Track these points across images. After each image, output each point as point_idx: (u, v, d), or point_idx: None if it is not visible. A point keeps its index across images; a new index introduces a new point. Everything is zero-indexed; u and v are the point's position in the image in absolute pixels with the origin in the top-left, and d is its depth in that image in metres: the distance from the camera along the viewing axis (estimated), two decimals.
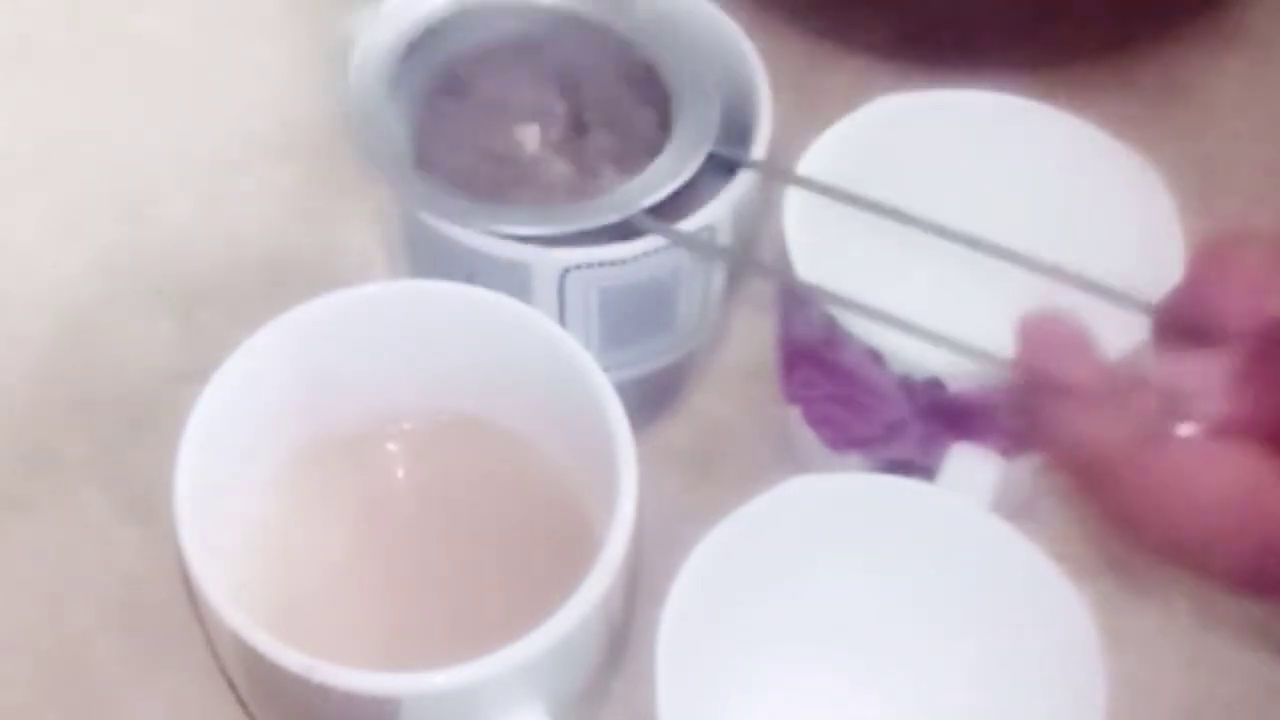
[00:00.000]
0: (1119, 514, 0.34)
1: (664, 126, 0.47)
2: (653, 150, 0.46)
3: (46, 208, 0.57)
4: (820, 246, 0.45)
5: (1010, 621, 0.43)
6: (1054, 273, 0.40)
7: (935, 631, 0.45)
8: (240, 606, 0.40)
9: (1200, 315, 0.35)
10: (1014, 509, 0.44)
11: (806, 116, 0.48)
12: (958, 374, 0.44)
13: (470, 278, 0.45)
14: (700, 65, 0.47)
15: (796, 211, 0.46)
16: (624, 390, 0.43)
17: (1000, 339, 0.49)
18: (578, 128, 0.48)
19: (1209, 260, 0.36)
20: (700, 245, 0.45)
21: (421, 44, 0.48)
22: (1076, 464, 0.35)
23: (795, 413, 0.49)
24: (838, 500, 0.44)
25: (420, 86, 0.48)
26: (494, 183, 0.47)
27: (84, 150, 0.58)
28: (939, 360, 0.44)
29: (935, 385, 0.44)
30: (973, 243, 0.42)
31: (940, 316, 0.51)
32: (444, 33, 0.48)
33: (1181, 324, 0.35)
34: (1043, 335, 0.36)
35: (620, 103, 0.48)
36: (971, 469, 0.45)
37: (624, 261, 0.45)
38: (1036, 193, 0.49)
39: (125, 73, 0.60)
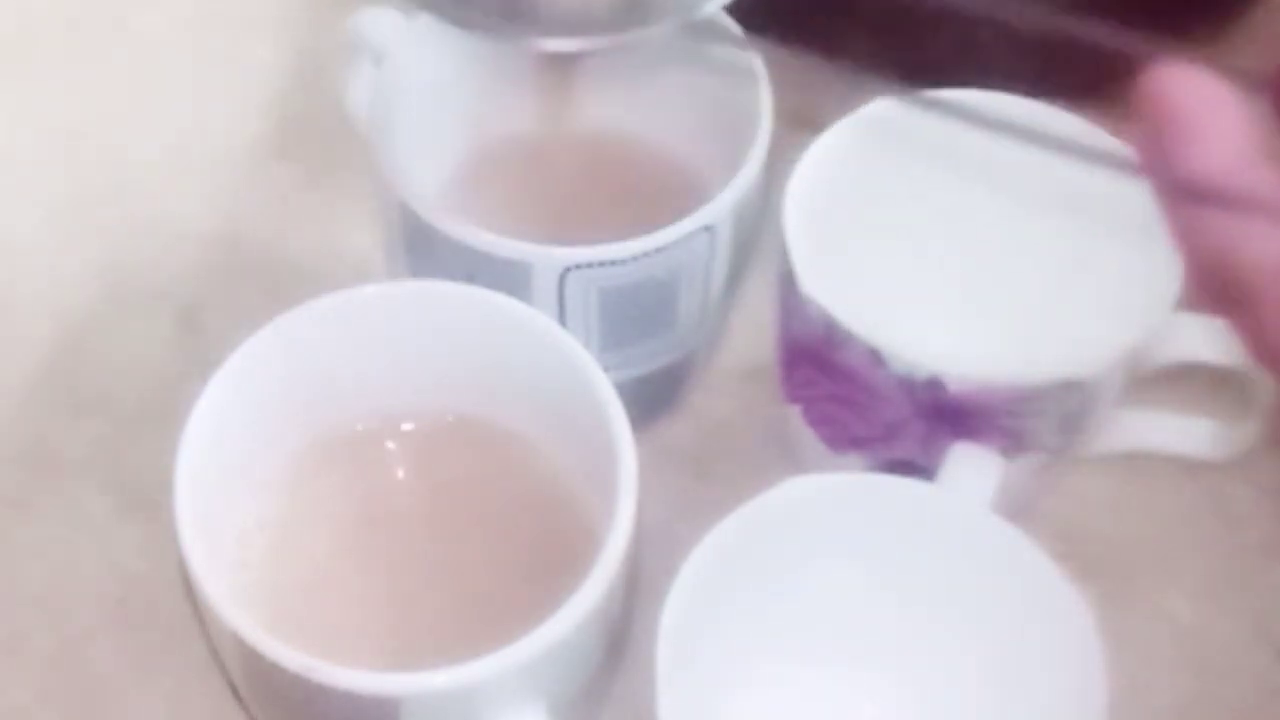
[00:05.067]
0: (1264, 344, 0.29)
1: None
2: None
3: (46, 208, 0.57)
4: (820, 246, 0.46)
5: (1010, 621, 0.43)
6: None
7: (935, 631, 0.45)
8: (240, 606, 0.40)
9: None
10: (1014, 509, 0.44)
11: (806, 118, 0.48)
12: (958, 374, 0.44)
13: (470, 278, 0.45)
14: None
15: (796, 212, 0.46)
16: (624, 390, 0.43)
17: (1000, 338, 0.50)
18: None
19: None
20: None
21: None
22: (1214, 282, 0.29)
23: (795, 413, 0.49)
24: (838, 500, 0.44)
25: None
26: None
27: (84, 150, 0.58)
28: (939, 360, 0.44)
29: (935, 385, 0.44)
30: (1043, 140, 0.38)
31: (940, 315, 0.51)
32: None
33: None
34: (1172, 102, 0.30)
35: None
36: (971, 469, 0.45)
37: (624, 261, 0.45)
38: (1036, 193, 0.49)
39: (125, 73, 0.60)
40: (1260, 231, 0.28)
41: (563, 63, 0.50)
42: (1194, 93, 0.30)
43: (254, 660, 0.39)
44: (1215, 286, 0.29)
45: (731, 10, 0.47)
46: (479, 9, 0.41)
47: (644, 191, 0.52)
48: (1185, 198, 0.29)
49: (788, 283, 0.46)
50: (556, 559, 0.43)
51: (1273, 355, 0.29)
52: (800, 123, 0.48)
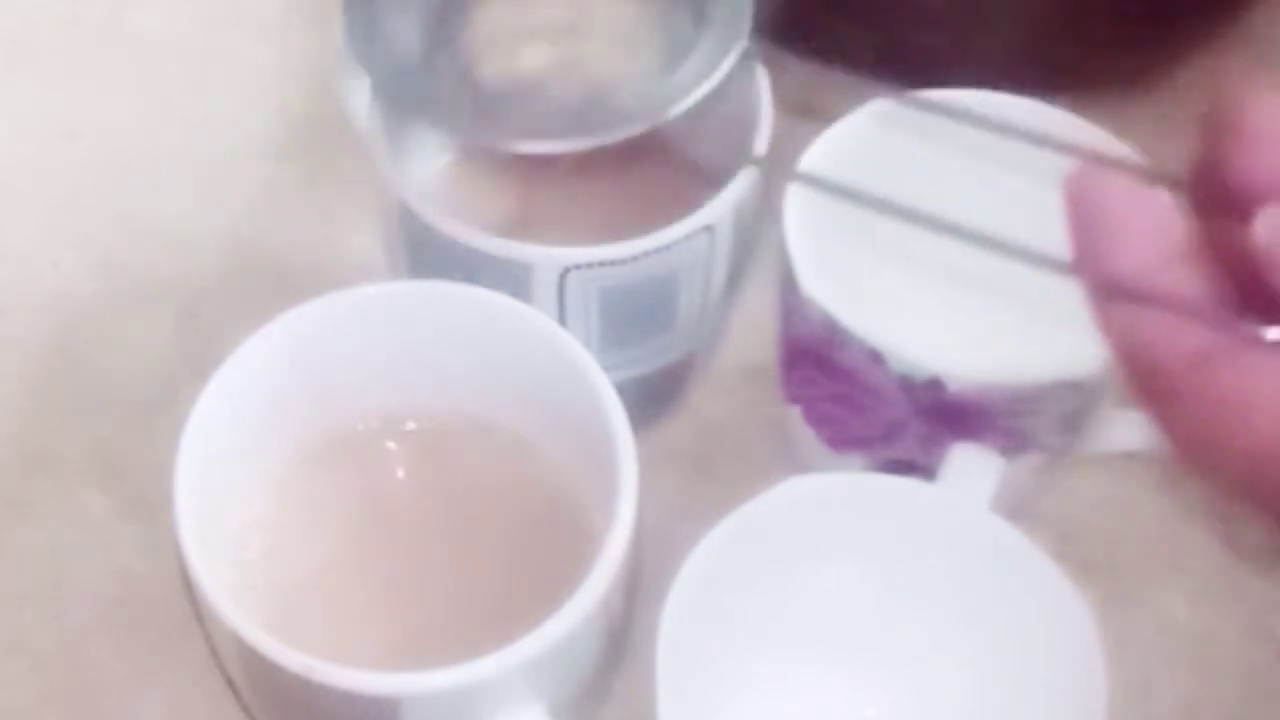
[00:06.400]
0: (1181, 436, 0.30)
1: (695, 19, 0.45)
2: (675, 49, 0.44)
3: (46, 208, 0.57)
4: (820, 246, 0.46)
5: (1010, 621, 0.43)
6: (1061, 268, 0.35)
7: (935, 631, 0.45)
8: (240, 606, 0.40)
9: (1228, 183, 0.31)
10: (1014, 509, 0.44)
11: (806, 117, 0.48)
12: (958, 374, 0.44)
13: (470, 278, 0.45)
14: None
15: (796, 212, 0.46)
16: (624, 390, 0.43)
17: (1000, 338, 0.50)
18: (591, 24, 0.47)
19: (1225, 123, 0.32)
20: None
21: None
22: (1137, 376, 0.31)
23: (795, 413, 0.49)
24: (838, 500, 0.44)
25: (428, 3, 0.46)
26: (506, 103, 0.45)
27: (84, 150, 0.58)
28: (939, 360, 0.44)
29: (935, 385, 0.44)
30: (980, 240, 0.40)
31: (940, 315, 0.51)
32: None
33: (1209, 197, 0.31)
34: (1092, 204, 0.31)
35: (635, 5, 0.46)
36: (971, 469, 0.45)
37: (624, 261, 0.45)
38: (1036, 193, 0.49)
39: (125, 72, 0.60)
40: (1177, 329, 0.30)
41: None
42: (1114, 193, 0.32)
43: (254, 660, 0.39)
44: (1139, 380, 0.31)
45: None
46: (460, 115, 0.44)
47: (645, 193, 0.52)
48: (1109, 295, 0.31)
49: (788, 283, 0.46)
50: (556, 559, 0.43)
51: (1190, 449, 0.30)
52: (801, 122, 0.48)
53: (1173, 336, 0.30)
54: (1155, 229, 0.31)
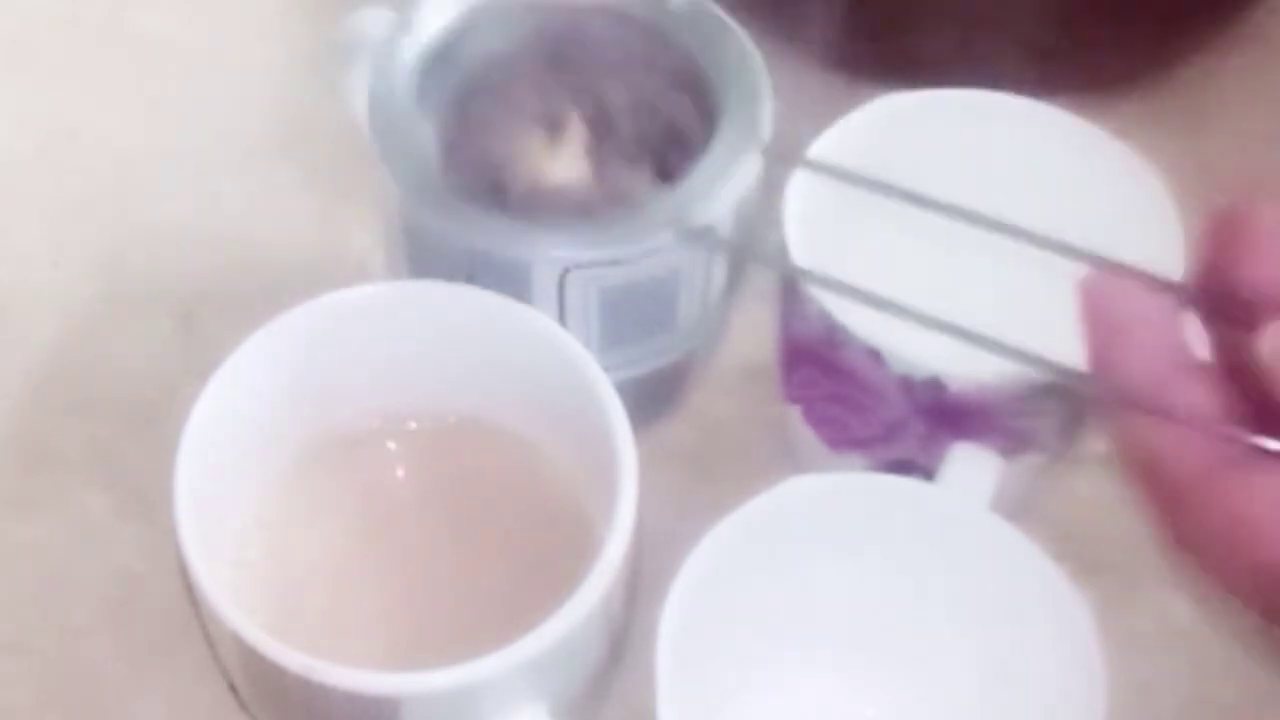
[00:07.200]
0: (1189, 546, 0.31)
1: (706, 123, 0.46)
2: (690, 151, 0.45)
3: (46, 208, 0.57)
4: (820, 243, 0.46)
5: (1010, 621, 0.43)
6: (1069, 251, 0.37)
7: (935, 631, 0.45)
8: (240, 606, 0.40)
9: (1230, 292, 0.32)
10: (1014, 509, 0.44)
11: (804, 121, 0.48)
12: (958, 374, 0.44)
13: (470, 278, 0.45)
14: (746, 57, 0.46)
15: (797, 209, 0.46)
16: (624, 390, 0.43)
17: (1001, 335, 0.49)
18: (608, 131, 0.48)
19: (1228, 232, 0.32)
20: (767, 259, 0.45)
21: (446, 50, 0.47)
22: (1144, 481, 0.32)
23: (795, 413, 0.49)
24: (838, 500, 0.44)
25: (445, 93, 0.47)
26: (521, 191, 0.47)
27: (84, 150, 0.58)
28: (939, 360, 0.44)
29: (935, 385, 0.44)
30: (988, 224, 0.40)
31: (942, 312, 0.51)
32: (468, 36, 0.48)
33: (1217, 305, 0.32)
34: (1109, 313, 0.32)
35: (655, 102, 0.47)
36: (971, 469, 0.45)
37: (624, 261, 0.45)
38: (1036, 193, 0.49)
39: (125, 73, 0.60)
40: (1187, 441, 0.31)
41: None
42: (1125, 301, 0.32)
43: (254, 660, 0.39)
44: (1147, 489, 0.31)
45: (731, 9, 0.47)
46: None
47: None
48: (1121, 405, 0.31)
49: (788, 283, 0.46)
50: (556, 559, 0.43)
51: (1197, 559, 0.31)
52: (801, 123, 0.48)
53: (1182, 448, 0.31)
54: (1165, 337, 0.32)
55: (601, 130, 0.48)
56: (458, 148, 0.47)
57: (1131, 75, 0.59)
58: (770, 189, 0.47)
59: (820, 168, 0.45)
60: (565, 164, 0.47)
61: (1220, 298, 0.32)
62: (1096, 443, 0.48)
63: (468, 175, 0.47)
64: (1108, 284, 0.33)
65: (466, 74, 0.48)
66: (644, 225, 0.44)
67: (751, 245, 0.47)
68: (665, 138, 0.47)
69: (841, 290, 0.41)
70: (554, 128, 0.48)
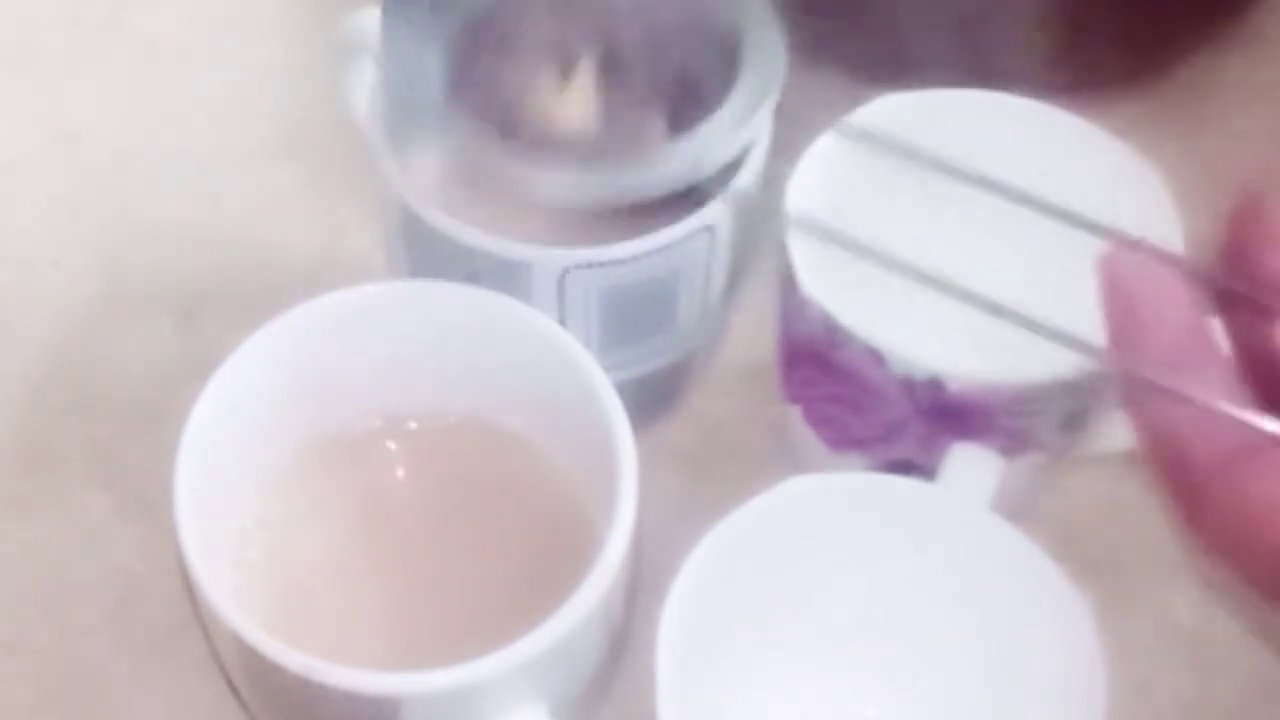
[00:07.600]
0: (1208, 532, 0.31)
1: (722, 78, 0.45)
2: (704, 102, 0.44)
3: (46, 208, 0.57)
4: (820, 246, 0.45)
5: (1010, 621, 0.43)
6: (1087, 225, 0.37)
7: (935, 631, 0.45)
8: (240, 606, 0.40)
9: (1250, 281, 0.32)
10: (1014, 509, 0.44)
11: (805, 118, 0.48)
12: (958, 374, 0.44)
13: (470, 278, 0.45)
14: (764, 13, 0.45)
15: (797, 211, 0.46)
16: (624, 390, 0.43)
17: (1000, 338, 0.49)
18: (620, 77, 0.47)
19: (1247, 222, 0.32)
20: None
21: None
22: (1164, 467, 0.31)
23: (795, 413, 0.49)
24: (838, 500, 0.44)
25: (452, 29, 0.46)
26: (529, 133, 0.46)
27: (84, 150, 0.58)
28: (939, 360, 0.44)
29: (935, 385, 0.44)
30: (1013, 195, 0.40)
31: (940, 315, 0.51)
32: None
33: (1230, 294, 0.32)
34: (1129, 286, 0.32)
35: (670, 51, 0.46)
36: (971, 469, 0.45)
37: (624, 261, 0.45)
38: (1036, 193, 0.49)
39: (125, 73, 0.60)
40: (1207, 427, 0.30)
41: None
42: (1144, 276, 0.32)
43: (254, 660, 0.39)
44: (1167, 475, 0.31)
45: None
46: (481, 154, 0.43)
47: None
48: (1142, 389, 0.31)
49: (788, 283, 0.46)
50: (556, 559, 0.43)
51: (1217, 546, 0.31)
52: (800, 123, 0.48)
53: (1203, 434, 0.31)
54: (1184, 312, 0.32)
55: (613, 75, 0.47)
56: (466, 86, 0.46)
57: (1131, 75, 0.59)
58: (771, 191, 0.47)
59: (853, 134, 0.44)
60: (574, 107, 0.47)
61: (1238, 282, 0.32)
62: (1096, 443, 0.48)
63: (475, 115, 0.45)
64: (1128, 258, 0.33)
65: (477, 11, 0.47)
66: (652, 173, 0.43)
67: (769, 203, 0.46)
68: (679, 89, 0.47)
69: (862, 252, 0.40)
70: (564, 70, 0.47)
